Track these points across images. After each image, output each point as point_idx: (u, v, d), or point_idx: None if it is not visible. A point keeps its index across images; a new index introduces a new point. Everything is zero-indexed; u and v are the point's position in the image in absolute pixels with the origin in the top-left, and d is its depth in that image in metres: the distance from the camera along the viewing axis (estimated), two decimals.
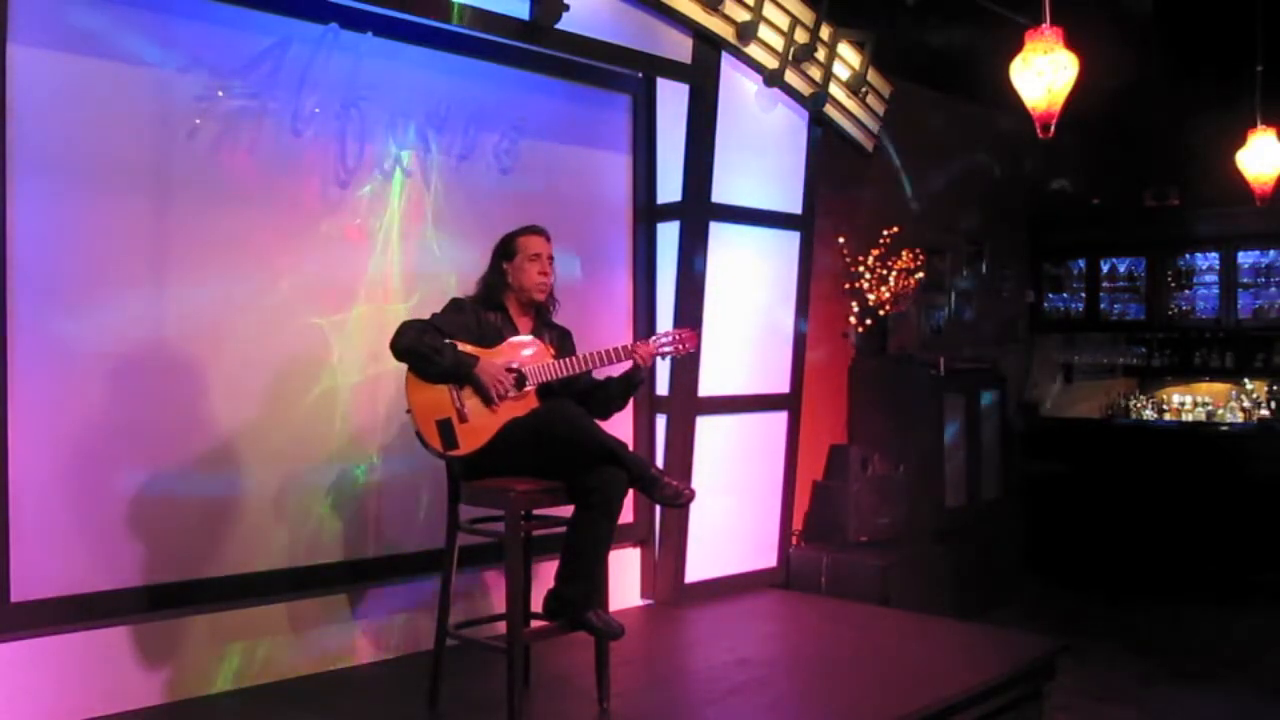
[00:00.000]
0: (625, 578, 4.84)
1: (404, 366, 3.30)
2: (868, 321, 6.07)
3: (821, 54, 5.26)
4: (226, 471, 3.68)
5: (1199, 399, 7.65)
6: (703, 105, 4.85)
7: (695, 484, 4.26)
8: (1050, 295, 8.11)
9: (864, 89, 5.57)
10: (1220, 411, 7.51)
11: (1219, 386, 7.70)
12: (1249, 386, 7.53)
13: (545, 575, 3.39)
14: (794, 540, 5.59)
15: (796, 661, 4.19)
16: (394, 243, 4.12)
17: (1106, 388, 8.11)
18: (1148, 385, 8.00)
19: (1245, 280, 7.38)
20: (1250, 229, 7.23)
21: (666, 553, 4.90)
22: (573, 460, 3.22)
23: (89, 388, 3.39)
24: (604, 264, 4.88)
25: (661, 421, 4.96)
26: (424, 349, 3.24)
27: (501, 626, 3.33)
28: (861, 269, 6.04)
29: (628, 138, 4.98)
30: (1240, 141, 5.75)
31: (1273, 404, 7.32)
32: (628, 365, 3.52)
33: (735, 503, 5.15)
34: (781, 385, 5.36)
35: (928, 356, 6.29)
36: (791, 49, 5.09)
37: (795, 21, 5.07)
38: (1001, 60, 4.09)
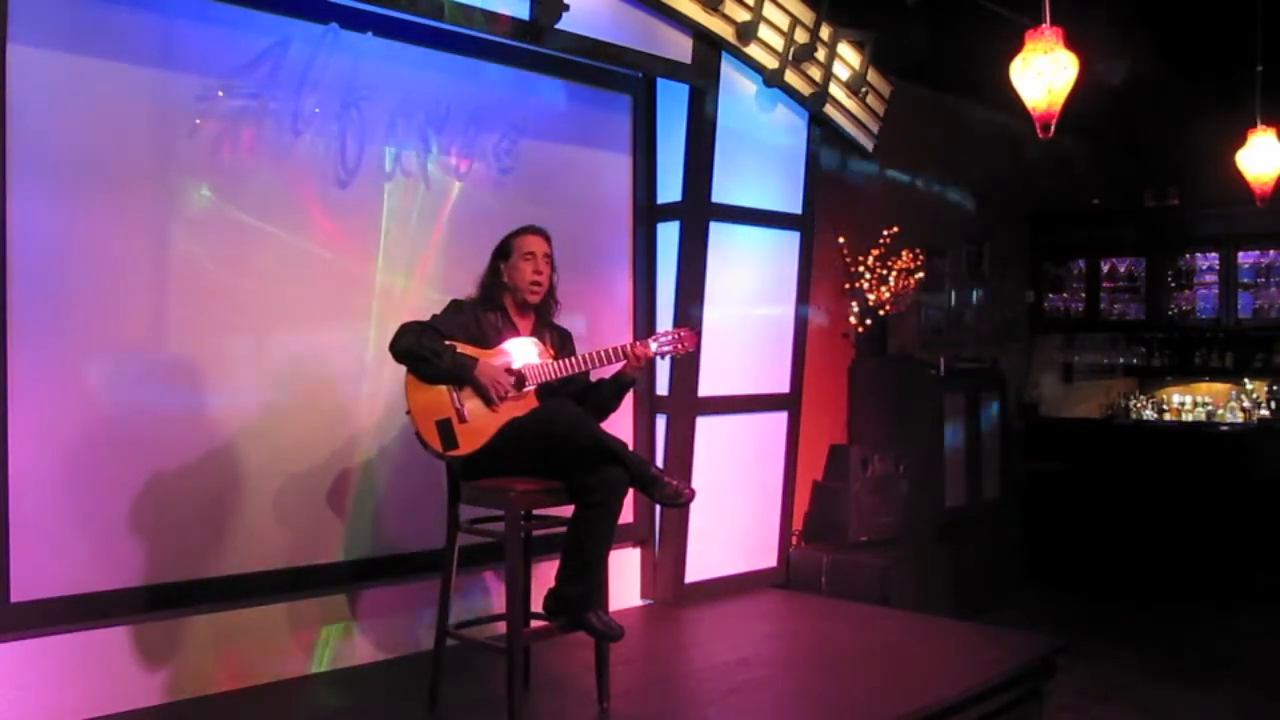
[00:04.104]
0: (625, 578, 4.84)
1: (404, 367, 3.30)
2: (868, 321, 6.07)
3: (821, 54, 5.26)
4: (227, 471, 3.68)
5: (1199, 399, 7.66)
6: (703, 105, 4.85)
7: (695, 484, 4.25)
8: (1050, 295, 8.11)
9: (864, 89, 5.57)
10: (1220, 411, 7.52)
11: (1219, 386, 7.71)
12: (1249, 386, 7.53)
13: (545, 575, 3.39)
14: (794, 540, 5.59)
15: (796, 661, 4.19)
16: (393, 243, 4.11)
17: (1106, 388, 8.11)
18: (1148, 385, 8.01)
19: (1245, 280, 7.39)
20: (1250, 229, 7.23)
21: (666, 553, 4.90)
22: (573, 460, 3.22)
23: (89, 387, 3.39)
24: (604, 264, 4.88)
25: (661, 421, 4.97)
26: (423, 351, 3.24)
27: (501, 626, 3.33)
28: (861, 269, 6.04)
29: (628, 138, 4.97)
30: (1240, 141, 5.74)
31: (1273, 404, 7.32)
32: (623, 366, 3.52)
33: (735, 503, 5.15)
34: (781, 385, 5.36)
35: (928, 356, 6.29)
36: (791, 49, 5.09)
37: (795, 21, 5.07)
38: (1001, 60, 4.08)
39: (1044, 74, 3.94)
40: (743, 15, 4.87)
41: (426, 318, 3.40)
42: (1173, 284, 7.69)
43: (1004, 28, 4.77)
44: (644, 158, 5.01)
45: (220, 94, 3.65)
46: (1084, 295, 7.97)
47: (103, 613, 3.38)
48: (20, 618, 3.23)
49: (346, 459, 3.99)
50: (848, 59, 5.45)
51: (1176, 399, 7.75)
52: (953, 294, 7.01)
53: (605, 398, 3.58)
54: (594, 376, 3.62)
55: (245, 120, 3.71)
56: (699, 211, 4.88)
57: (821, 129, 5.47)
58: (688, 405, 4.90)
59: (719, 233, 4.97)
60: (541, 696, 3.59)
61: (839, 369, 6.10)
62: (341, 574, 3.95)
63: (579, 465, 3.21)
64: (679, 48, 4.73)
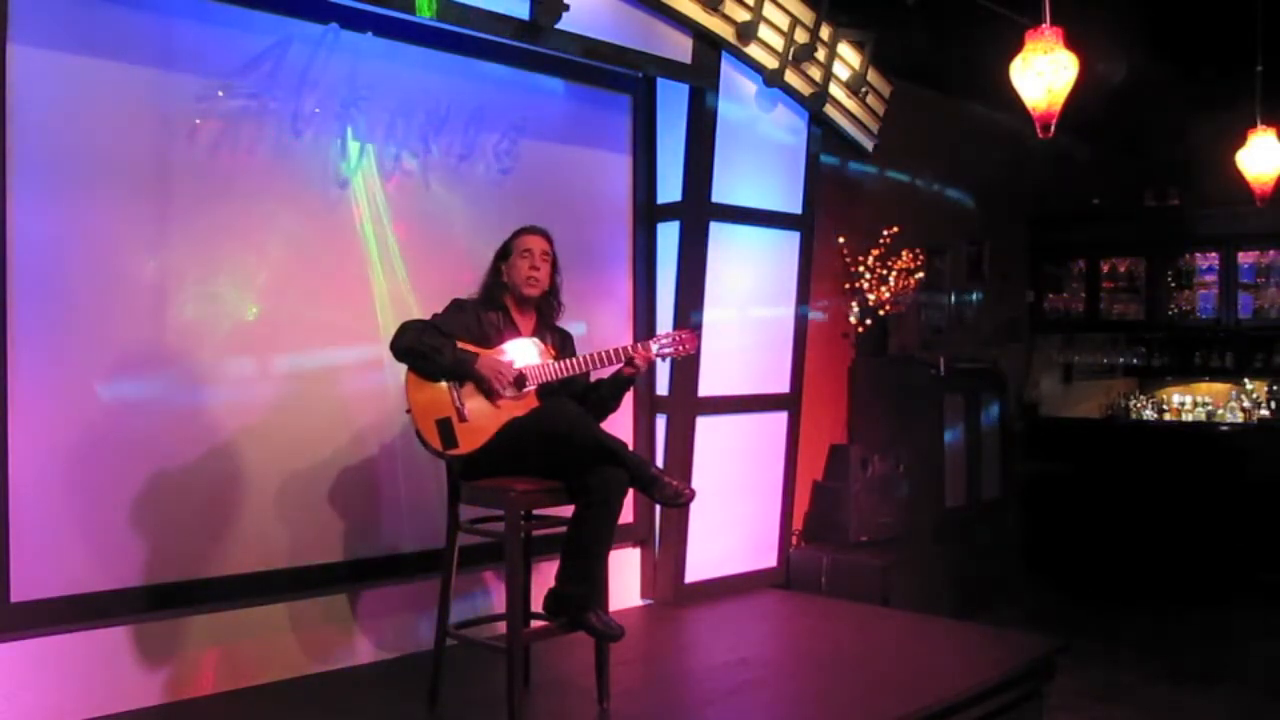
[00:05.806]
0: (625, 578, 4.84)
1: (404, 365, 3.30)
2: (868, 321, 6.07)
3: (821, 54, 5.26)
4: (227, 471, 3.68)
5: (1199, 399, 7.66)
6: (703, 105, 4.85)
7: (695, 484, 4.25)
8: (1050, 295, 8.11)
9: (864, 89, 5.57)
10: (1220, 411, 7.52)
11: (1219, 386, 7.71)
12: (1249, 386, 7.54)
13: (545, 575, 3.39)
14: (794, 540, 5.59)
15: (796, 661, 4.19)
16: (394, 243, 4.11)
17: (1106, 388, 8.12)
18: (1148, 385, 8.01)
19: (1245, 280, 7.39)
20: (1250, 229, 7.24)
21: (666, 553, 4.90)
22: (573, 460, 3.22)
23: (89, 387, 3.39)
24: (604, 264, 4.87)
25: (661, 421, 4.97)
26: (424, 348, 3.24)
27: (501, 626, 3.33)
28: (861, 269, 6.04)
29: (628, 138, 4.97)
30: (1240, 141, 5.75)
31: (1273, 404, 7.32)
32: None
33: (735, 503, 5.15)
34: (781, 385, 5.36)
35: (928, 356, 6.29)
36: (791, 49, 5.09)
37: (795, 21, 5.08)
38: (1001, 60, 4.09)
39: (1044, 74, 3.94)
40: (743, 15, 4.87)
41: (427, 317, 3.40)
42: (1173, 284, 7.69)
43: (1004, 28, 4.77)
44: (644, 157, 5.01)
45: (220, 94, 3.65)
46: (1084, 295, 7.97)
47: (103, 613, 3.38)
48: (20, 618, 3.23)
49: (347, 458, 3.98)
50: (848, 59, 5.45)
51: (1176, 399, 7.75)
52: (953, 294, 7.01)
53: (605, 397, 3.58)
54: (594, 377, 3.62)
55: (245, 120, 3.71)
56: (699, 211, 4.88)
57: (821, 129, 5.47)
58: (688, 405, 4.90)
59: (719, 233, 4.97)
60: (541, 696, 3.59)
61: (839, 369, 6.10)
62: (341, 574, 3.94)
63: (579, 465, 3.21)
64: (679, 48, 4.73)
